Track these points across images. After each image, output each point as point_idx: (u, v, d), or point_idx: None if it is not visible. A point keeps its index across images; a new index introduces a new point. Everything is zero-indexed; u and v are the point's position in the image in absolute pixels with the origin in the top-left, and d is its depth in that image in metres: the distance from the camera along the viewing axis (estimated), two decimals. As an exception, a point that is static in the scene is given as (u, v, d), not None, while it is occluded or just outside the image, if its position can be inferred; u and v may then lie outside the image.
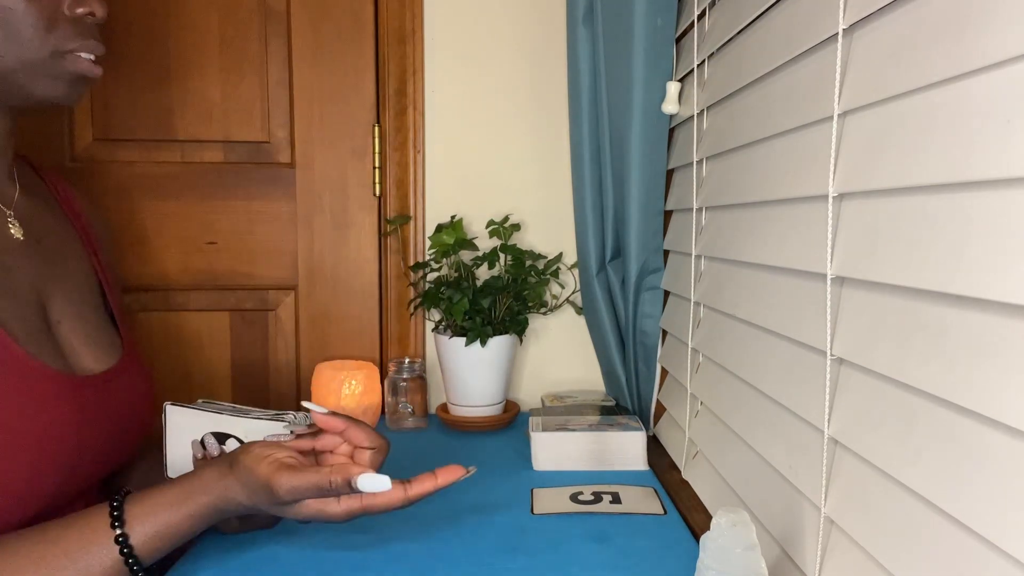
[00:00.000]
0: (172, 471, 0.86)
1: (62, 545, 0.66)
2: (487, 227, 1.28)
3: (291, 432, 0.77)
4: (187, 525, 0.69)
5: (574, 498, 0.93)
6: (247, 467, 0.68)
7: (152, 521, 0.67)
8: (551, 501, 0.92)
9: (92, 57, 0.77)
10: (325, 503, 0.68)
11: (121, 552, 0.66)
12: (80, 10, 0.75)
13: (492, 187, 1.34)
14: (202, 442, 0.83)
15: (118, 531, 0.66)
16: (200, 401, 0.89)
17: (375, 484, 0.67)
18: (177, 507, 0.68)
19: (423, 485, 0.70)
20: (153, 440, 0.92)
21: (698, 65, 0.99)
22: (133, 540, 0.67)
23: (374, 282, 1.36)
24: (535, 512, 0.89)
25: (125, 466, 0.90)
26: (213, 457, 0.81)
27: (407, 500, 0.70)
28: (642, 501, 0.92)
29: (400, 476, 1.01)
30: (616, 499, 0.92)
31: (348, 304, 1.36)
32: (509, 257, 1.25)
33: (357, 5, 1.31)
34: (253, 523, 0.81)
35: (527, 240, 1.35)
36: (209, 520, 0.70)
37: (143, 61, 1.28)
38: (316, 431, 0.75)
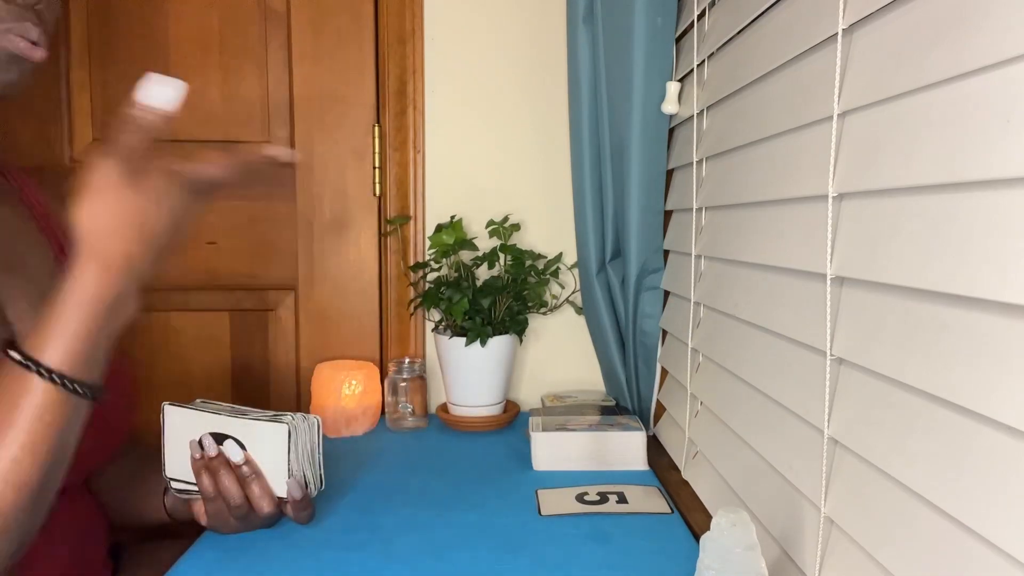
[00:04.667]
0: (170, 471, 0.86)
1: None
2: (487, 227, 1.28)
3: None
4: (90, 314, 0.64)
5: (580, 498, 0.92)
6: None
7: (57, 339, 0.64)
8: (558, 502, 0.92)
9: (27, 38, 0.73)
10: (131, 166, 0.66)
11: (50, 379, 0.63)
12: None
13: (492, 187, 1.34)
14: (200, 442, 0.82)
15: (33, 366, 0.63)
16: (198, 401, 0.89)
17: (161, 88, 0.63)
18: (68, 308, 0.64)
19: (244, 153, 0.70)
20: (136, 439, 0.92)
21: (698, 65, 0.99)
22: (53, 364, 0.64)
23: (374, 282, 1.36)
24: (543, 513, 0.89)
25: (107, 465, 0.90)
26: (211, 457, 0.81)
27: (232, 166, 0.69)
28: (647, 500, 0.92)
29: (401, 476, 1.02)
30: (622, 499, 0.92)
31: (348, 304, 1.35)
32: (509, 257, 1.25)
33: (357, 5, 1.31)
34: (252, 523, 0.81)
35: (527, 240, 1.35)
36: (110, 303, 0.66)
37: (143, 61, 1.28)
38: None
